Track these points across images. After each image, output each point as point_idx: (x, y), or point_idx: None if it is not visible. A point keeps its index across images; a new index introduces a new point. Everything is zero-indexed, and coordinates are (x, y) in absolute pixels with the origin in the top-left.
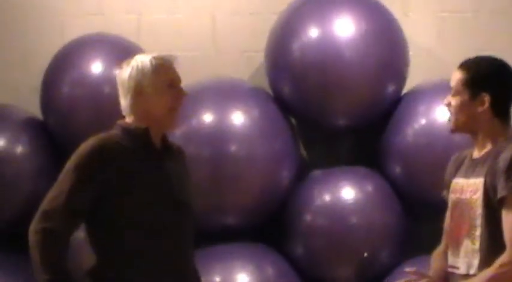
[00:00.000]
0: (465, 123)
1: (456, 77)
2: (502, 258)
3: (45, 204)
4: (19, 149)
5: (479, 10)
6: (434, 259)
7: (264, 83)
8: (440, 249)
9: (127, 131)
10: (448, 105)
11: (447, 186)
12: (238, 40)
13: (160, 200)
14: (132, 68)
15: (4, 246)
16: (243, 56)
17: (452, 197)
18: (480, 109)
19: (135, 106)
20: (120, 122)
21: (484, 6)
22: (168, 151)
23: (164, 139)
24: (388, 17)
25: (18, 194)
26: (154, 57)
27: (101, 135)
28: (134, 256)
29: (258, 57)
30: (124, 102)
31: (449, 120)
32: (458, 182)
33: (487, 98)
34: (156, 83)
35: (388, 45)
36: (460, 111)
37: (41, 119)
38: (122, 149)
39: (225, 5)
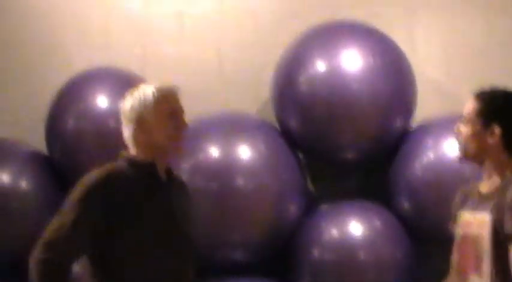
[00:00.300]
0: (474, 152)
1: (470, 106)
2: None
3: (47, 235)
4: (24, 184)
5: (488, 43)
6: None
7: (270, 116)
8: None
9: (133, 163)
10: (459, 133)
11: (454, 218)
12: (244, 73)
13: (164, 233)
14: (135, 98)
15: (9, 280)
16: (250, 89)
17: (459, 230)
18: (490, 140)
19: (137, 137)
20: (125, 153)
21: (493, 39)
22: (173, 183)
23: (169, 171)
24: (396, 50)
25: (23, 229)
26: (156, 88)
27: (106, 167)
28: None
29: (265, 90)
30: (126, 132)
31: (459, 148)
32: (465, 215)
33: (498, 130)
34: (158, 113)
35: (395, 79)
36: (470, 140)
37: (46, 153)
38: (127, 181)
39: (231, 38)
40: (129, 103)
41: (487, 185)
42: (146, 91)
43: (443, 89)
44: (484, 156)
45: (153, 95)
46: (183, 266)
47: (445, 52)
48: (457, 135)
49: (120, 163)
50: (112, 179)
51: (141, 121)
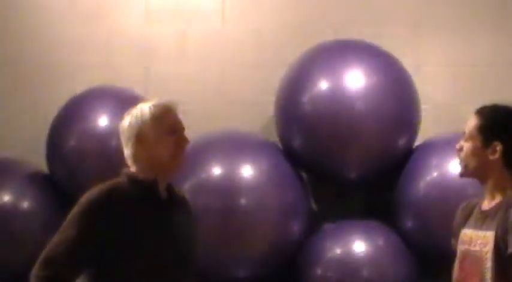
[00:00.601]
0: (475, 169)
1: (472, 122)
2: None
3: (48, 251)
4: (25, 204)
5: (494, 63)
6: None
7: (273, 135)
8: None
9: (134, 180)
10: (460, 149)
11: (455, 235)
12: (247, 92)
13: (163, 252)
14: (132, 116)
15: None
16: (252, 109)
17: (461, 247)
18: (491, 157)
19: (137, 155)
20: (126, 170)
21: (499, 59)
22: (174, 201)
23: (170, 189)
24: (400, 69)
25: (25, 249)
26: (153, 105)
27: (107, 184)
28: None
29: (268, 109)
30: (126, 151)
31: (459, 164)
32: (467, 233)
33: (499, 147)
34: (156, 130)
35: (399, 98)
36: (471, 156)
37: (47, 172)
38: (127, 199)
39: (234, 57)
40: (127, 121)
41: (488, 202)
42: (143, 108)
43: (449, 108)
44: (485, 174)
45: (150, 111)
46: None
47: (451, 71)
48: (458, 151)
49: (120, 180)
50: (112, 196)
51: (140, 137)
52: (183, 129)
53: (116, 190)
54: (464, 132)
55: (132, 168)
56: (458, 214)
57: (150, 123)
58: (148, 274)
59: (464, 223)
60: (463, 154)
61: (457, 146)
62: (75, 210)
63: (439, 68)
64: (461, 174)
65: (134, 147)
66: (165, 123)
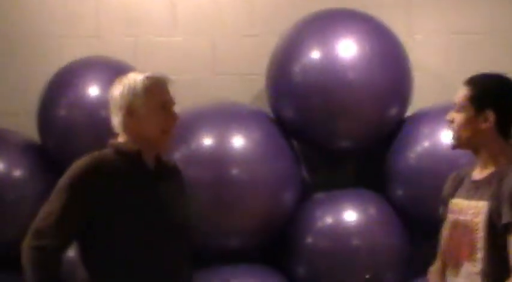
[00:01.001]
0: (468, 139)
1: (462, 93)
2: None
3: (37, 222)
4: (18, 174)
5: (488, 31)
6: (431, 277)
7: (265, 106)
8: (436, 267)
9: (120, 151)
10: (452, 121)
11: (445, 204)
12: (238, 63)
13: (152, 221)
14: (124, 86)
15: (4, 268)
16: (244, 79)
17: (450, 217)
18: (484, 126)
19: (126, 125)
20: (113, 141)
21: (493, 28)
22: (162, 171)
23: (158, 159)
24: (392, 38)
25: (18, 218)
26: (147, 77)
27: (94, 155)
28: (125, 275)
29: (259, 80)
30: (115, 120)
31: (452, 136)
32: (458, 202)
33: (491, 115)
34: (148, 104)
35: (392, 67)
36: (463, 127)
37: (39, 142)
38: (114, 169)
39: (224, 27)
40: (118, 90)
41: (480, 172)
42: (137, 79)
43: (442, 78)
44: (478, 143)
45: (144, 84)
46: (173, 254)
47: (444, 40)
48: (450, 123)
49: (107, 151)
50: (99, 167)
51: (130, 110)
52: (174, 104)
53: (103, 161)
54: (455, 104)
55: (120, 138)
56: (448, 183)
57: (142, 96)
58: (138, 243)
59: (454, 193)
60: (455, 125)
61: (448, 118)
62: (63, 181)
63: (432, 36)
64: (454, 146)
65: (124, 117)
66: (158, 98)
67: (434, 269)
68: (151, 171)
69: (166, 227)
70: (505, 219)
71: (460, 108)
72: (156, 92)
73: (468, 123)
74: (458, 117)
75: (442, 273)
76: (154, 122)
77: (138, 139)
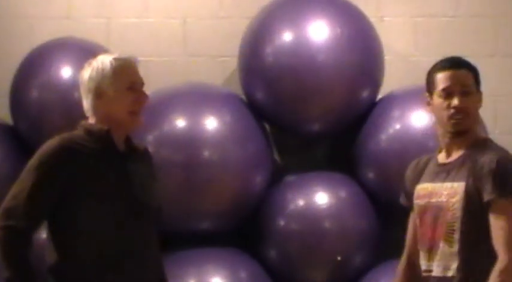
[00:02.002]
0: (475, 122)
1: (466, 76)
2: (501, 265)
3: (6, 202)
4: None
5: (456, 15)
6: (397, 273)
7: (237, 88)
8: (403, 262)
9: (89, 131)
10: (464, 107)
11: (408, 193)
12: (210, 45)
13: (120, 202)
14: (93, 68)
15: None
16: (216, 61)
17: (419, 202)
18: (479, 106)
19: (96, 107)
20: (83, 122)
21: (461, 11)
22: (132, 153)
23: (128, 140)
24: (363, 21)
25: None
26: (115, 58)
27: (64, 135)
28: (95, 255)
29: (231, 62)
30: (85, 103)
31: (462, 123)
32: (425, 186)
33: (481, 95)
34: (116, 85)
35: (362, 50)
36: (476, 111)
37: (11, 123)
38: (83, 150)
39: (196, 9)
40: (87, 73)
41: (447, 155)
42: (105, 61)
43: (411, 60)
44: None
45: (111, 66)
46: (141, 235)
47: (413, 22)
48: (462, 109)
49: (77, 131)
50: (69, 148)
51: (99, 92)
52: (142, 84)
53: (72, 141)
54: (459, 88)
55: (91, 120)
56: (409, 172)
57: (110, 77)
58: (107, 224)
59: (417, 179)
60: (472, 110)
61: (462, 105)
62: (33, 162)
63: (400, 18)
64: (463, 132)
65: (93, 100)
66: (126, 79)
67: (400, 266)
68: (120, 152)
69: (135, 207)
70: (486, 197)
71: (469, 93)
72: (124, 73)
73: (478, 106)
74: (472, 100)
75: (410, 268)
76: (123, 103)
77: (107, 121)
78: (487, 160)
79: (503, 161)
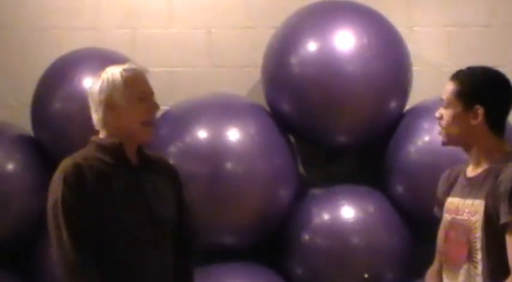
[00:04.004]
0: (458, 136)
1: (448, 88)
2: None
3: (59, 260)
4: (11, 167)
5: (489, 24)
6: (429, 279)
7: (261, 99)
8: (434, 268)
9: (101, 147)
10: (440, 118)
11: (440, 204)
12: (235, 55)
13: (134, 217)
14: (103, 81)
15: None
16: (240, 72)
17: (446, 216)
18: (474, 122)
19: (107, 120)
20: (94, 138)
21: (494, 20)
22: (145, 165)
23: (140, 152)
24: (392, 30)
25: (10, 212)
26: (124, 69)
27: (73, 158)
28: (110, 270)
29: (256, 72)
30: (96, 116)
31: (440, 133)
32: (453, 201)
33: (480, 111)
34: (127, 96)
35: (391, 60)
36: (452, 124)
37: (32, 135)
38: (95, 168)
39: (221, 19)
40: (97, 86)
41: (473, 169)
42: (114, 73)
43: (442, 71)
44: (468, 140)
45: (122, 77)
46: (157, 248)
47: (445, 32)
48: (439, 120)
49: (88, 149)
50: (79, 173)
51: (111, 104)
52: (152, 94)
53: (82, 163)
54: (442, 100)
55: (101, 134)
56: (442, 182)
57: (121, 89)
58: (119, 237)
59: (449, 191)
60: (444, 122)
61: (437, 114)
62: (52, 201)
63: (432, 28)
64: (444, 143)
65: (104, 112)
66: (136, 90)
67: (431, 271)
68: (133, 165)
69: (150, 221)
70: (503, 219)
71: (448, 105)
72: (134, 83)
73: (457, 120)
74: (446, 113)
75: (440, 275)
76: (134, 114)
77: (118, 133)
78: (504, 178)
79: None
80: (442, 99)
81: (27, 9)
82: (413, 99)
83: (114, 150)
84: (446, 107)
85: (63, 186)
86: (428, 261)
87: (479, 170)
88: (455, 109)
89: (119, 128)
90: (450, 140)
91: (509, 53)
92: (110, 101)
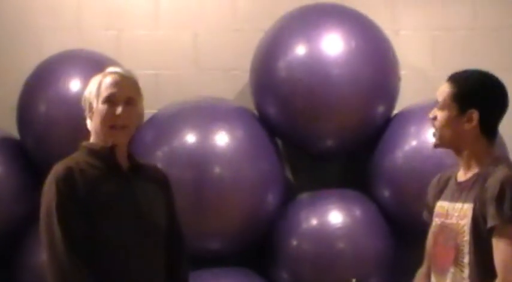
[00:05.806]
0: (450, 139)
1: (445, 90)
2: None
3: (51, 264)
4: None
5: (473, 28)
6: (418, 280)
7: (249, 103)
8: (423, 270)
9: (91, 151)
10: (434, 119)
11: (430, 208)
12: (221, 58)
13: (123, 222)
14: (90, 85)
15: None
16: (227, 75)
17: (436, 220)
18: (467, 126)
19: (90, 124)
20: (85, 143)
21: (478, 24)
22: (137, 171)
23: (131, 159)
24: (379, 34)
25: None
26: (104, 73)
27: (65, 163)
28: (100, 276)
29: (243, 76)
30: (87, 120)
31: (434, 134)
32: (443, 205)
33: (475, 115)
34: (99, 98)
35: (378, 65)
36: (446, 126)
37: (17, 138)
38: (86, 173)
39: (208, 22)
40: (87, 89)
41: (464, 173)
42: (97, 77)
43: (428, 75)
44: (461, 143)
45: (98, 81)
46: (148, 254)
47: (430, 37)
48: (432, 121)
49: (79, 154)
50: (70, 178)
51: (90, 107)
52: (122, 99)
53: (73, 168)
54: (437, 101)
55: (91, 138)
56: (432, 187)
57: (96, 92)
58: (110, 241)
59: (439, 195)
60: (437, 124)
61: (431, 115)
62: (44, 206)
63: (416, 32)
64: (436, 145)
65: (88, 116)
66: (105, 92)
67: (420, 274)
68: (124, 169)
69: (141, 226)
70: (489, 223)
71: (443, 106)
72: (106, 86)
73: (451, 122)
74: (441, 115)
75: (428, 278)
76: (99, 116)
77: (96, 136)
78: (492, 183)
79: (507, 183)
80: (436, 101)
81: (8, 9)
82: (399, 103)
83: (105, 155)
84: (441, 109)
85: (55, 190)
86: (415, 266)
87: (469, 175)
88: (450, 112)
89: (94, 130)
90: (443, 142)
91: (493, 56)
92: (90, 104)
